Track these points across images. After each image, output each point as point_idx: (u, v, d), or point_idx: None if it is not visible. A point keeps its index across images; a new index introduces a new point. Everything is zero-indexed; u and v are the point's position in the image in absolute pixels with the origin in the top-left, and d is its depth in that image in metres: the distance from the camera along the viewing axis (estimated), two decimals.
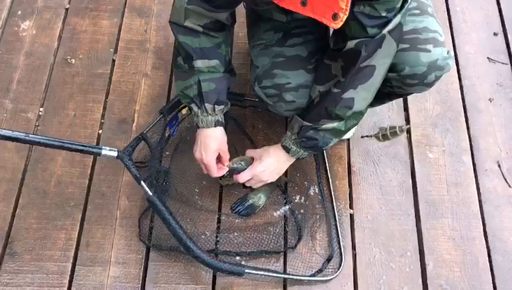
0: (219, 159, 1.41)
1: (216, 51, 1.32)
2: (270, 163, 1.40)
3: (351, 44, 1.16)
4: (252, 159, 1.43)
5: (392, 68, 1.24)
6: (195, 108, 1.34)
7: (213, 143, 1.36)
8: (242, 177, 1.41)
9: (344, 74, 1.20)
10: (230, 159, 1.43)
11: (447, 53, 1.27)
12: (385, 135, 1.41)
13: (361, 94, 1.22)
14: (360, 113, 1.27)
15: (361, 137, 1.52)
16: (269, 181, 1.44)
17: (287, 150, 1.36)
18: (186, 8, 1.24)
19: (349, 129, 1.30)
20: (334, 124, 1.27)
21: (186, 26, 1.27)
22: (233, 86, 1.74)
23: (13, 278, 1.42)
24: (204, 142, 1.36)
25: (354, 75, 1.19)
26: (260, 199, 1.53)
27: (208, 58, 1.31)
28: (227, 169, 1.41)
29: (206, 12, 1.25)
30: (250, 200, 1.53)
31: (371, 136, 1.43)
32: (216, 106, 1.34)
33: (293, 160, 1.40)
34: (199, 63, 1.30)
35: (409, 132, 1.68)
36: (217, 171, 1.39)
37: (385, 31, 1.14)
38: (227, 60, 1.36)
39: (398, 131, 1.38)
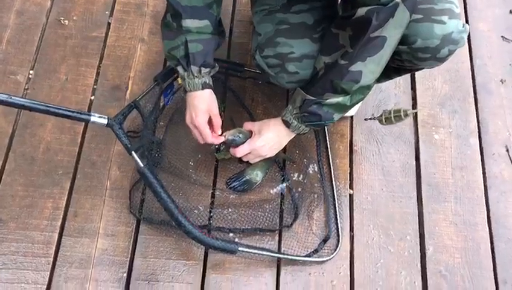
0: (211, 125, 1.33)
1: (207, 11, 1.24)
2: (270, 138, 1.33)
3: (361, 11, 1.08)
4: (250, 132, 1.36)
5: (403, 40, 1.16)
6: (181, 70, 1.28)
7: (202, 104, 1.29)
8: (240, 151, 1.34)
9: (352, 44, 1.12)
10: (226, 131, 1.36)
11: (462, 26, 1.19)
12: (388, 118, 1.33)
13: (369, 67, 1.14)
14: (367, 88, 1.20)
15: (365, 120, 1.46)
16: (268, 156, 1.37)
17: (287, 124, 1.29)
18: None
19: (354, 104, 1.23)
20: (339, 99, 1.19)
21: None
22: (233, 55, 1.69)
23: None
24: (193, 104, 1.30)
25: (363, 46, 1.11)
26: (257, 175, 1.47)
27: (198, 18, 1.24)
28: (223, 138, 1.34)
29: None
30: (246, 176, 1.47)
31: (373, 118, 1.36)
32: (202, 68, 1.27)
33: (293, 135, 1.34)
34: (188, 23, 1.23)
35: (414, 117, 1.61)
36: (211, 137, 1.32)
37: None
38: (217, 21, 1.29)
39: (402, 115, 1.30)
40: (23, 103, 1.09)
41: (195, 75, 1.27)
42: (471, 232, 1.47)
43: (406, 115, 1.31)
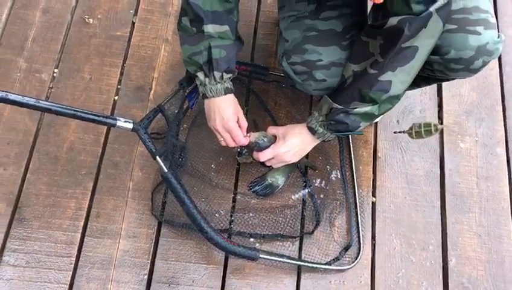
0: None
1: (228, 16, 1.22)
2: (294, 144, 1.31)
3: (393, 21, 1.06)
4: (275, 137, 1.34)
5: (436, 50, 1.14)
6: (201, 76, 1.25)
7: (229, 108, 1.27)
8: (264, 156, 1.32)
9: (383, 53, 1.10)
10: (249, 133, 1.34)
11: (498, 36, 1.15)
12: (418, 132, 1.30)
13: (399, 77, 1.12)
14: (396, 98, 1.18)
15: (394, 132, 1.44)
16: (291, 162, 1.36)
17: (312, 131, 1.27)
18: None
19: (382, 114, 1.22)
20: (367, 108, 1.18)
21: None
22: (257, 57, 1.68)
23: (21, 244, 1.39)
24: (220, 109, 1.27)
25: (394, 56, 1.09)
26: (279, 180, 1.46)
27: (219, 24, 1.21)
28: (249, 140, 1.32)
29: None
30: (268, 180, 1.46)
31: (403, 132, 1.34)
32: (225, 74, 1.25)
33: (318, 142, 1.32)
34: (209, 28, 1.20)
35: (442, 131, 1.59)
36: (243, 138, 1.29)
37: (432, 8, 1.03)
38: (236, 28, 1.27)
39: (433, 130, 1.28)
40: (49, 107, 1.09)
41: (218, 80, 1.25)
42: (496, 245, 1.45)
43: (437, 130, 1.28)
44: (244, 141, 1.30)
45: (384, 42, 1.10)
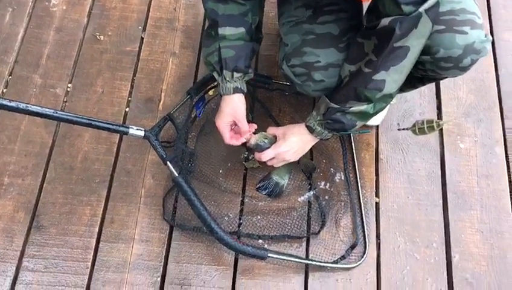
0: (236, 129, 1.39)
1: (242, 19, 1.30)
2: (295, 142, 1.36)
3: (384, 21, 1.12)
4: (275, 137, 1.40)
5: (426, 50, 1.20)
6: (216, 76, 1.34)
7: (227, 108, 1.34)
8: (265, 156, 1.37)
9: (377, 53, 1.16)
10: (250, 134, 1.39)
11: (485, 36, 1.21)
12: (422, 128, 1.36)
13: (392, 76, 1.18)
14: (390, 96, 1.23)
15: (398, 130, 1.50)
16: (291, 161, 1.41)
17: (310, 130, 1.33)
18: None
19: (377, 112, 1.27)
20: (362, 107, 1.23)
21: None
22: (261, 67, 1.75)
23: (40, 250, 1.45)
24: (220, 107, 1.36)
25: (386, 55, 1.15)
26: (283, 177, 1.51)
27: (234, 26, 1.29)
28: (243, 141, 1.37)
29: None
30: (274, 179, 1.51)
31: (406, 129, 1.40)
32: (235, 73, 1.32)
33: (316, 140, 1.37)
34: (224, 30, 1.29)
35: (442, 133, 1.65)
36: (229, 138, 1.37)
37: (422, 9, 1.09)
38: (253, 29, 1.34)
39: (435, 126, 1.34)
40: (67, 117, 1.16)
41: (228, 79, 1.32)
42: (498, 241, 1.49)
43: (439, 126, 1.34)
44: (231, 142, 1.37)
45: (378, 42, 1.16)
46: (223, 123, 1.36)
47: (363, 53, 1.20)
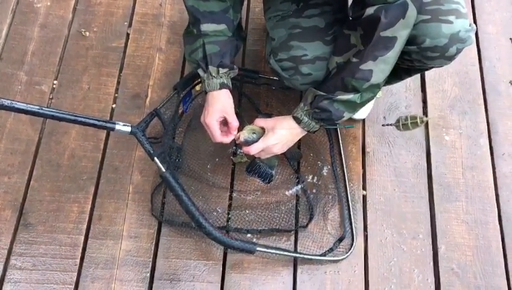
0: (226, 125, 1.35)
1: (224, 16, 1.30)
2: (283, 135, 1.34)
3: (370, 10, 1.13)
4: (263, 129, 1.36)
5: (412, 40, 1.21)
6: (201, 73, 1.33)
7: (216, 104, 1.32)
8: (254, 149, 1.33)
9: (363, 42, 1.17)
10: (240, 129, 1.37)
11: (469, 25, 1.23)
12: (405, 124, 1.38)
13: (380, 66, 1.18)
14: (377, 86, 1.23)
15: (382, 125, 1.52)
16: (278, 153, 1.38)
17: (298, 121, 1.31)
18: None
19: (364, 103, 1.26)
20: (350, 96, 1.23)
21: None
22: (247, 62, 1.75)
23: (28, 248, 1.44)
24: (208, 103, 1.33)
25: (373, 45, 1.15)
26: (272, 162, 1.47)
27: (216, 23, 1.30)
28: (232, 137, 1.34)
29: None
30: (262, 164, 1.46)
31: (390, 124, 1.41)
32: (220, 69, 1.31)
33: (304, 133, 1.35)
34: (206, 27, 1.29)
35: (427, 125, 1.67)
36: (220, 136, 1.33)
37: None
38: (235, 25, 1.34)
39: (419, 122, 1.35)
40: (52, 114, 1.16)
41: (214, 75, 1.31)
42: (483, 231, 1.51)
43: (422, 122, 1.35)
44: (222, 139, 1.33)
45: (364, 32, 1.17)
46: (212, 120, 1.32)
47: (350, 44, 1.21)
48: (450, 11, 1.21)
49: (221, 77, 1.32)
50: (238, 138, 1.35)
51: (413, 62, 1.30)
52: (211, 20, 1.29)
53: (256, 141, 1.34)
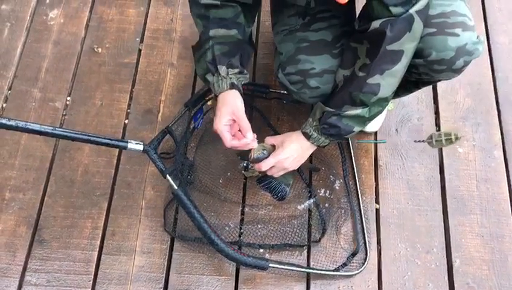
0: (237, 129, 1.29)
1: (235, 22, 1.29)
2: (294, 149, 1.33)
3: (375, 24, 1.13)
4: (273, 146, 1.36)
5: (419, 54, 1.20)
6: (210, 78, 1.28)
7: (225, 107, 1.26)
8: (265, 165, 1.32)
9: (369, 56, 1.16)
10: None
11: (477, 38, 1.22)
12: (439, 141, 1.37)
13: (387, 80, 1.18)
14: (385, 100, 1.23)
15: (414, 141, 1.54)
16: (290, 169, 1.37)
17: (307, 136, 1.30)
18: None
19: (373, 117, 1.26)
20: (358, 111, 1.23)
21: (204, 3, 1.26)
22: (258, 76, 1.76)
23: (42, 264, 1.46)
24: (218, 108, 1.27)
25: (380, 58, 1.15)
26: (287, 179, 1.48)
27: (226, 28, 1.28)
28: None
29: None
30: (276, 180, 1.48)
31: (423, 141, 1.42)
32: (230, 70, 1.27)
33: (314, 148, 1.35)
34: (215, 32, 1.27)
35: (437, 130, 1.66)
36: (230, 140, 1.26)
37: (412, 10, 1.10)
38: (246, 31, 1.32)
39: (453, 139, 1.34)
40: (66, 134, 1.17)
41: (223, 75, 1.27)
42: (498, 244, 1.49)
43: (457, 139, 1.34)
44: (232, 143, 1.26)
45: (370, 46, 1.16)
46: (221, 124, 1.26)
47: (357, 57, 1.20)
48: (456, 23, 1.20)
49: (230, 78, 1.28)
50: (250, 156, 1.34)
51: (420, 75, 1.29)
52: (221, 25, 1.27)
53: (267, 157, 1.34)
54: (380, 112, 1.27)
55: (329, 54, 1.30)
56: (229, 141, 1.27)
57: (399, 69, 1.17)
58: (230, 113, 1.27)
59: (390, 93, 1.22)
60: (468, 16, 1.23)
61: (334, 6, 1.11)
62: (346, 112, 1.23)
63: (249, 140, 1.27)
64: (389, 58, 1.15)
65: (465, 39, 1.20)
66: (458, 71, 1.26)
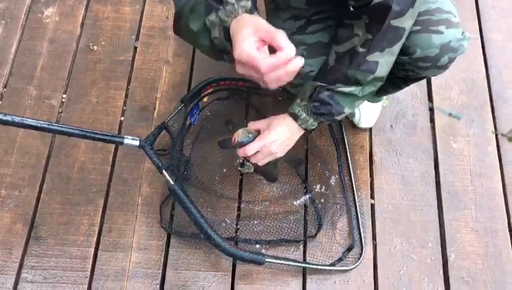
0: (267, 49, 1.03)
1: None
2: (281, 132, 1.23)
3: None
4: (258, 131, 1.25)
5: (404, 51, 1.20)
6: (213, 16, 1.04)
7: (244, 29, 0.99)
8: (249, 149, 1.21)
9: (369, 31, 1.12)
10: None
11: (462, 34, 1.22)
12: None
13: (385, 58, 1.15)
14: (380, 80, 1.19)
15: (501, 135, 1.58)
16: (278, 155, 1.28)
17: (295, 117, 1.22)
18: None
19: (365, 97, 1.21)
20: (351, 88, 1.18)
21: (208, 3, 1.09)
22: None
23: (38, 261, 1.46)
24: (235, 36, 1.00)
25: (383, 34, 1.11)
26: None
27: None
28: (233, 141, 1.20)
29: None
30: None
31: (503, 135, 1.51)
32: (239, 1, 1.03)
33: (302, 132, 1.26)
34: None
35: (432, 126, 1.67)
36: (267, 62, 0.97)
37: None
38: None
39: None
40: (62, 129, 1.17)
41: (232, 2, 1.02)
42: (492, 239, 1.50)
43: None
44: (270, 65, 0.98)
45: (370, 20, 1.12)
46: (249, 49, 0.96)
47: (353, 34, 1.15)
48: (440, 21, 1.20)
49: (240, 1, 1.03)
50: (234, 140, 1.23)
51: (407, 72, 1.29)
52: None
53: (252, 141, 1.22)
54: (372, 92, 1.22)
55: (327, 56, 1.30)
56: (263, 61, 0.96)
57: (398, 47, 1.15)
58: (253, 31, 0.98)
59: (386, 72, 1.19)
60: (453, 12, 1.23)
61: (330, 7, 1.09)
62: (339, 88, 1.18)
63: (291, 52, 0.98)
64: (391, 35, 1.12)
65: (449, 36, 1.20)
66: (444, 68, 1.26)
